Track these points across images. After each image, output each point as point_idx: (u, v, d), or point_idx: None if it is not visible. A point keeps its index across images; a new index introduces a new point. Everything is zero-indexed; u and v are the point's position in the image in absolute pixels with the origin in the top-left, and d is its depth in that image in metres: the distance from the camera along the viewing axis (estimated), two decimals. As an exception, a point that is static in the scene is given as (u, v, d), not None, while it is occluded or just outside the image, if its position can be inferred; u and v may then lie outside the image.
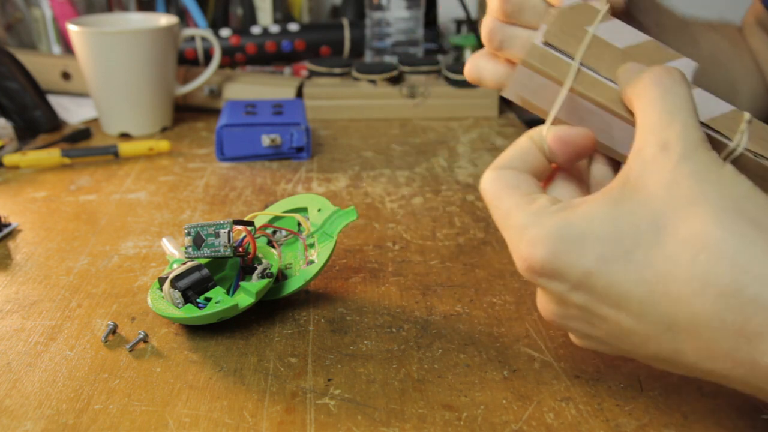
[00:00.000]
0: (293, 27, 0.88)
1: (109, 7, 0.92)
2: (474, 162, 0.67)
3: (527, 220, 0.30)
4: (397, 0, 0.85)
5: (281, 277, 0.42)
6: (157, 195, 0.59)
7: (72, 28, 0.70)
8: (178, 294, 0.38)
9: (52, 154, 0.65)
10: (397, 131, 0.75)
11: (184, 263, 0.40)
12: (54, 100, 0.79)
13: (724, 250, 0.27)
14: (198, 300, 0.39)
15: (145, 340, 0.39)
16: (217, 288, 0.39)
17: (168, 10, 0.94)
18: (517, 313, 0.42)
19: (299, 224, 0.44)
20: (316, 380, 0.36)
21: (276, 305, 0.42)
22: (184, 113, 0.80)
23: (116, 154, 0.66)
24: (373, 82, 0.79)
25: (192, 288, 0.39)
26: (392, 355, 0.38)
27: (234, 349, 0.38)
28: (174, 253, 0.44)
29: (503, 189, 0.32)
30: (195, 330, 0.40)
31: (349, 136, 0.74)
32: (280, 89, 0.79)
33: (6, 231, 0.51)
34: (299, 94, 0.80)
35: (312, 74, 0.82)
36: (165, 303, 0.39)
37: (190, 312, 0.38)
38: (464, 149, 0.70)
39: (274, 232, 0.45)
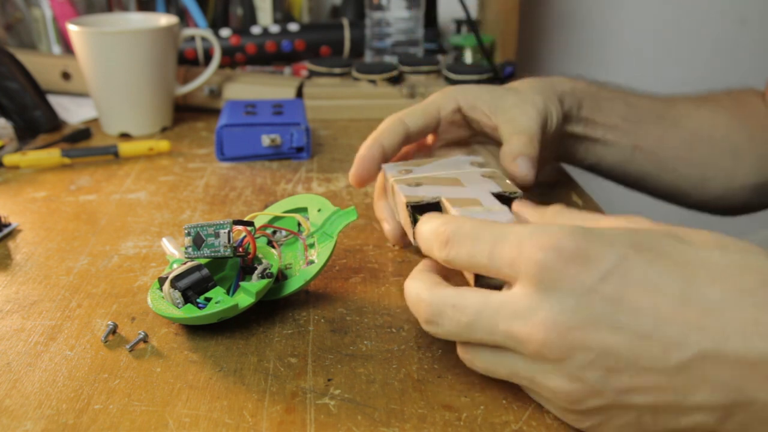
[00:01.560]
0: (293, 27, 0.88)
1: (109, 7, 0.92)
2: (474, 162, 0.67)
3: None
4: (397, 0, 0.85)
5: (281, 277, 0.42)
6: (157, 195, 0.59)
7: (72, 28, 0.70)
8: (178, 294, 0.38)
9: (52, 154, 0.65)
10: (397, 131, 0.75)
11: (184, 263, 0.40)
12: (54, 100, 0.79)
13: None
14: (198, 300, 0.39)
15: (145, 340, 0.39)
16: (217, 288, 0.39)
17: (168, 10, 0.94)
18: (517, 313, 0.42)
19: (299, 224, 0.44)
20: (316, 380, 0.36)
21: (276, 305, 0.42)
22: (184, 113, 0.80)
23: (116, 154, 0.66)
24: (373, 82, 0.79)
25: (192, 288, 0.39)
26: (392, 355, 0.38)
27: (234, 349, 0.38)
28: (174, 253, 0.44)
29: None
30: (195, 330, 0.40)
31: (349, 136, 0.74)
32: (280, 89, 0.79)
33: (6, 231, 0.51)
34: (299, 94, 0.80)
35: (312, 74, 0.82)
36: (165, 303, 0.39)
37: (190, 312, 0.38)
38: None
39: (274, 232, 0.45)
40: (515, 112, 0.49)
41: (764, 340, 0.27)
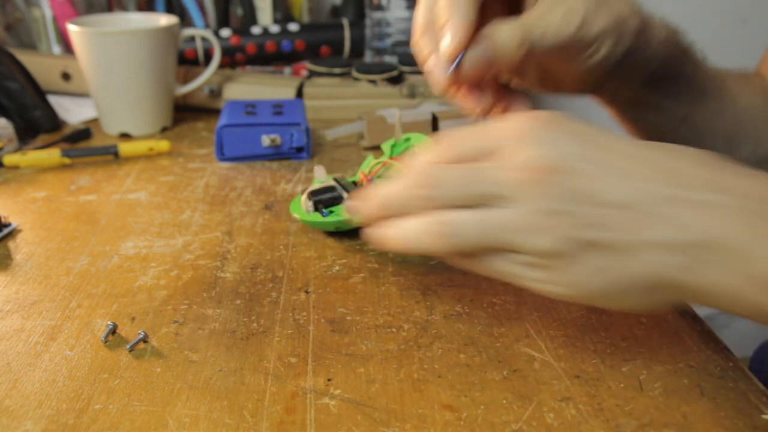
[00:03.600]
0: (293, 27, 0.88)
1: (109, 7, 0.92)
2: (474, 162, 0.66)
3: None
4: (397, 0, 0.85)
5: None
6: (157, 195, 0.59)
7: (72, 28, 0.70)
8: (311, 204, 0.50)
9: (52, 154, 0.65)
10: (397, 131, 0.75)
11: (322, 184, 0.52)
12: (54, 100, 0.79)
13: None
14: (324, 210, 0.50)
15: (145, 340, 0.39)
16: (340, 206, 0.49)
17: (168, 10, 0.94)
18: (517, 313, 0.42)
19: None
20: (316, 380, 0.36)
21: (276, 306, 0.42)
22: (184, 113, 0.80)
23: (116, 154, 0.66)
24: (373, 82, 0.79)
25: (322, 202, 0.50)
26: (392, 355, 0.38)
27: (234, 349, 0.38)
28: (321, 178, 0.55)
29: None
30: (195, 330, 0.40)
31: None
32: (280, 89, 0.79)
33: (6, 231, 0.51)
34: (299, 94, 0.80)
35: (312, 74, 0.82)
36: (300, 210, 0.51)
37: (316, 218, 0.49)
38: (464, 149, 0.70)
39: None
40: (547, 10, 0.42)
41: (718, 194, 0.30)
